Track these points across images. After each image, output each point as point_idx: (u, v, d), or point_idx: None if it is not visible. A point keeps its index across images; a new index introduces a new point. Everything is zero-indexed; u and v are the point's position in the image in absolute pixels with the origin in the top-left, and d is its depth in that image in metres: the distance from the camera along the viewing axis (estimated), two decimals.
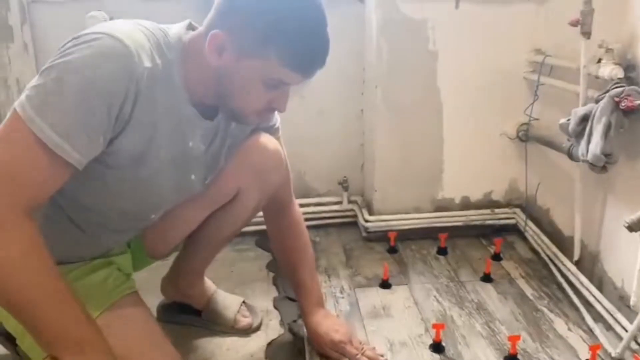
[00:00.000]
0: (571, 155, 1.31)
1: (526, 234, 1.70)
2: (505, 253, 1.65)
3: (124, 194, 0.93)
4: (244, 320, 1.30)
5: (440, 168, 1.74)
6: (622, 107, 1.12)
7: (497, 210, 1.77)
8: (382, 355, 1.19)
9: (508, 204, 1.79)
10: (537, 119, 1.58)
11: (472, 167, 1.74)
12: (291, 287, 1.30)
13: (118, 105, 0.79)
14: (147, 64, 0.82)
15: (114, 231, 1.01)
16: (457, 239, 1.73)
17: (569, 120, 1.25)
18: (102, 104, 0.77)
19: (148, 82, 0.82)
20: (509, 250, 1.68)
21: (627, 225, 1.02)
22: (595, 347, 1.14)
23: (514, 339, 1.17)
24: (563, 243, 1.54)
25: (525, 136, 1.63)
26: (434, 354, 1.21)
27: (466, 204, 1.78)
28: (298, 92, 1.76)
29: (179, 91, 0.89)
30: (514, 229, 1.77)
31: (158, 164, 0.91)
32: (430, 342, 1.24)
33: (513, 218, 1.77)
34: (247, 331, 1.30)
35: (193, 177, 1.00)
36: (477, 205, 1.78)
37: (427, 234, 1.74)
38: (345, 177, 1.82)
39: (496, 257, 1.62)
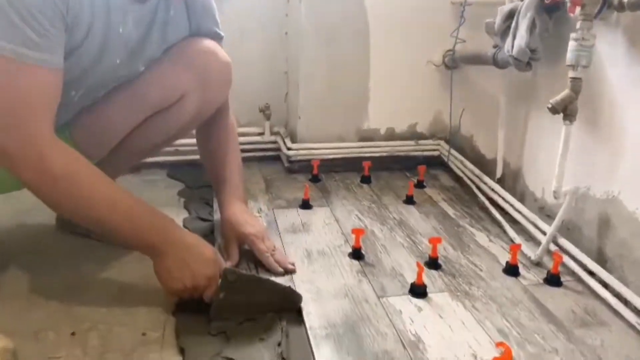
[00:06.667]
0: (497, 62, 1.28)
1: (450, 164, 1.67)
2: (429, 182, 1.62)
3: None
4: None
5: (366, 97, 1.68)
6: (547, 2, 1.10)
7: (421, 142, 1.74)
8: (292, 264, 1.10)
9: (432, 136, 1.75)
10: (463, 41, 1.54)
11: (398, 98, 1.69)
12: (215, 186, 1.20)
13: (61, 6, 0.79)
14: None
15: None
16: (381, 172, 1.68)
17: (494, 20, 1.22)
18: (52, 11, 0.78)
19: None
20: (432, 180, 1.65)
21: (550, 106, 0.99)
22: (515, 246, 1.11)
23: (434, 240, 1.12)
24: (486, 166, 1.52)
25: (452, 62, 1.59)
26: (353, 261, 1.14)
27: (391, 135, 1.73)
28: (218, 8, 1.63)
29: None
30: (437, 162, 1.74)
31: (88, 56, 0.90)
32: (350, 251, 1.18)
33: (437, 150, 1.75)
34: None
35: (118, 61, 0.96)
36: (402, 137, 1.74)
37: (351, 165, 1.68)
38: (267, 103, 1.71)
39: (420, 185, 1.58)
